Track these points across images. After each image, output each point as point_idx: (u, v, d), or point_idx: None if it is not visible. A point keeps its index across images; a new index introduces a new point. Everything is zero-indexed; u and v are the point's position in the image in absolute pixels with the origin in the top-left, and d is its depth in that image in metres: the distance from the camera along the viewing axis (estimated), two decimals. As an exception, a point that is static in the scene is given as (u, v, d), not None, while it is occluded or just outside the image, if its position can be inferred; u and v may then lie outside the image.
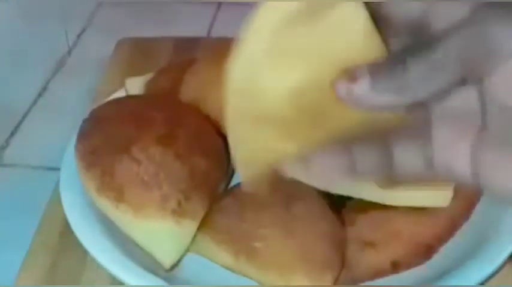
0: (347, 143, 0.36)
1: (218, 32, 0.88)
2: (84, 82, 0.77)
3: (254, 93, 0.37)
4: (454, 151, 0.33)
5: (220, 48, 0.59)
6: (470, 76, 0.32)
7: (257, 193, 0.39)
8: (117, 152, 0.50)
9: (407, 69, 0.32)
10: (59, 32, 0.83)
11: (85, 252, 0.50)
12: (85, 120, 0.55)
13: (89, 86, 0.74)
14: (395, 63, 0.33)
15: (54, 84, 0.79)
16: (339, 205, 0.52)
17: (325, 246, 0.47)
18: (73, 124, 0.55)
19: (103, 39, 0.83)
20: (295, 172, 0.37)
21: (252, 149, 0.38)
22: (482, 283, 0.48)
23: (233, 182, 0.55)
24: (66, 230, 0.52)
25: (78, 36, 0.88)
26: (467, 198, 0.53)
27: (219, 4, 0.94)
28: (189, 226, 0.50)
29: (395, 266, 0.49)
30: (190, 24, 0.90)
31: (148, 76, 0.64)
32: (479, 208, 0.53)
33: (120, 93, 0.63)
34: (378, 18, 0.34)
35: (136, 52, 0.78)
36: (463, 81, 0.32)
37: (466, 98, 0.33)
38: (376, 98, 0.33)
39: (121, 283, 0.48)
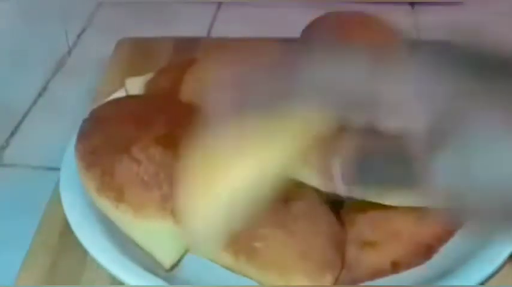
0: None
1: (218, 32, 0.88)
2: (84, 82, 0.77)
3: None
4: None
5: (220, 48, 0.60)
6: None
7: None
8: (117, 152, 0.50)
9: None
10: (59, 32, 0.83)
11: (85, 252, 0.50)
12: (85, 120, 0.55)
13: (89, 86, 0.74)
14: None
15: (54, 84, 0.79)
16: (338, 205, 0.52)
17: (325, 246, 0.47)
18: (73, 124, 0.55)
19: (103, 39, 0.83)
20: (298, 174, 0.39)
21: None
22: (482, 283, 0.48)
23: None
24: (66, 230, 0.52)
25: (78, 36, 0.88)
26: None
27: (219, 4, 0.94)
28: (189, 226, 0.50)
29: (395, 266, 0.49)
30: (190, 24, 0.90)
31: (148, 76, 0.64)
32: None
33: (120, 93, 0.63)
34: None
35: (136, 52, 0.78)
36: None
37: None
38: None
39: (121, 283, 0.48)
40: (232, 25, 0.89)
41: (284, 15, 0.91)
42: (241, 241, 0.49)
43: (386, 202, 0.50)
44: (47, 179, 0.61)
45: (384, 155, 0.37)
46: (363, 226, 0.51)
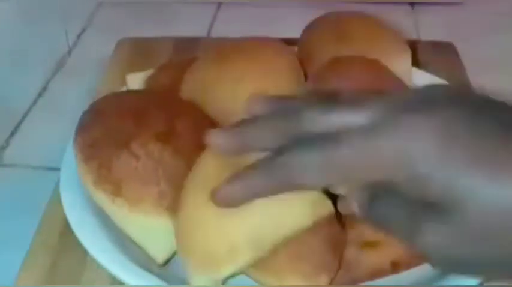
0: None
1: (218, 32, 0.88)
2: (84, 82, 0.77)
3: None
4: None
5: (220, 48, 0.60)
6: None
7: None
8: (116, 146, 0.50)
9: None
10: (59, 32, 0.83)
11: (85, 252, 0.50)
12: (84, 113, 0.55)
13: (89, 86, 0.74)
14: None
15: (54, 84, 0.79)
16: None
17: (321, 246, 0.47)
18: (73, 124, 0.55)
19: (103, 39, 0.83)
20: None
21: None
22: (482, 283, 0.48)
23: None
24: (66, 230, 0.52)
25: (78, 36, 0.88)
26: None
27: (219, 4, 0.94)
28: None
29: (395, 266, 0.49)
30: (190, 24, 0.90)
31: (149, 72, 0.64)
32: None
33: (120, 93, 0.63)
34: None
35: (136, 52, 0.78)
36: None
37: None
38: None
39: (121, 283, 0.48)
40: (232, 25, 0.89)
41: (284, 15, 0.91)
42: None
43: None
44: (47, 179, 0.61)
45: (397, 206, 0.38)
46: (363, 226, 0.50)
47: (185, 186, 0.48)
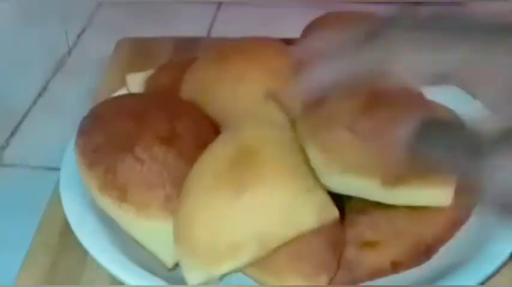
0: None
1: (218, 32, 0.88)
2: (84, 82, 0.77)
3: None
4: None
5: (220, 48, 0.60)
6: None
7: None
8: (120, 150, 0.50)
9: None
10: (59, 32, 0.83)
11: (85, 252, 0.50)
12: (85, 118, 0.55)
13: (89, 86, 0.74)
14: None
15: (54, 84, 0.79)
16: (338, 205, 0.52)
17: (321, 246, 0.47)
18: (73, 124, 0.55)
19: (103, 39, 0.83)
20: None
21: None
22: (482, 283, 0.48)
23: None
24: (66, 230, 0.52)
25: (78, 36, 0.88)
26: (468, 198, 0.53)
27: (219, 4, 0.94)
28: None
29: (395, 266, 0.49)
30: (190, 24, 0.90)
31: (149, 72, 0.64)
32: (479, 208, 0.53)
33: (120, 93, 0.63)
34: None
35: (136, 52, 0.78)
36: None
37: None
38: None
39: (121, 283, 0.48)
40: (232, 25, 0.89)
41: (284, 15, 0.90)
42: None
43: (387, 202, 0.50)
44: (47, 179, 0.61)
45: (452, 137, 0.36)
46: (363, 226, 0.51)
47: (187, 182, 0.48)
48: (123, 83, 0.64)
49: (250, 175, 0.45)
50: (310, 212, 0.45)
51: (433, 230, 0.51)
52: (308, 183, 0.46)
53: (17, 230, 0.58)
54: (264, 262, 0.46)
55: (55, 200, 0.56)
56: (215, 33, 0.89)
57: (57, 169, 0.56)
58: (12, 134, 0.71)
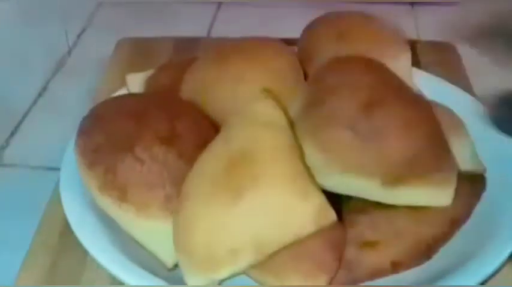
0: None
1: (218, 32, 0.88)
2: (84, 82, 0.77)
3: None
4: None
5: (220, 48, 0.60)
6: None
7: None
8: (120, 150, 0.50)
9: None
10: (59, 32, 0.83)
11: (85, 252, 0.50)
12: (84, 118, 0.55)
13: (89, 86, 0.74)
14: None
15: (54, 84, 0.79)
16: (336, 206, 0.52)
17: (321, 246, 0.47)
18: (73, 124, 0.55)
19: (103, 39, 0.83)
20: None
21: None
22: (482, 283, 0.48)
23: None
24: (66, 230, 0.52)
25: (78, 36, 0.88)
26: (468, 198, 0.53)
27: (219, 4, 0.94)
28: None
29: (395, 266, 0.49)
30: (190, 24, 0.90)
31: (149, 72, 0.64)
32: (479, 208, 0.53)
33: (120, 93, 0.63)
34: None
35: (136, 52, 0.78)
36: None
37: None
38: None
39: (121, 283, 0.48)
40: (232, 25, 0.89)
41: (284, 15, 0.90)
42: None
43: (387, 202, 0.50)
44: (47, 179, 0.61)
45: None
46: (363, 226, 0.51)
47: (185, 186, 0.48)
48: (123, 83, 0.64)
49: (247, 180, 0.45)
50: (308, 217, 0.45)
51: (433, 230, 0.51)
52: (305, 186, 0.46)
53: (17, 230, 0.58)
54: (264, 261, 0.46)
55: (55, 200, 0.56)
56: (215, 33, 0.89)
57: (57, 169, 0.56)
58: (12, 134, 0.71)
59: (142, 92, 0.62)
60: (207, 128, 0.54)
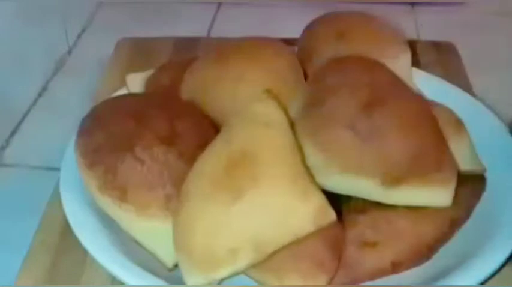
0: None
1: (218, 32, 0.89)
2: (84, 82, 0.77)
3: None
4: None
5: (220, 48, 0.60)
6: None
7: None
8: (120, 150, 0.50)
9: None
10: (59, 32, 0.83)
11: (85, 252, 0.50)
12: (84, 118, 0.55)
13: (89, 86, 0.75)
14: None
15: (54, 84, 0.79)
16: (335, 206, 0.52)
17: (320, 246, 0.47)
18: (73, 124, 0.55)
19: (103, 39, 0.83)
20: None
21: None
22: (482, 283, 0.48)
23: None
24: (66, 230, 0.52)
25: (78, 36, 0.88)
26: (468, 198, 0.53)
27: (219, 4, 0.94)
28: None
29: (396, 266, 0.49)
30: (190, 24, 0.90)
31: (149, 72, 0.64)
32: (479, 208, 0.53)
33: (120, 93, 0.63)
34: None
35: (136, 52, 0.78)
36: None
37: None
38: None
39: (121, 283, 0.48)
40: (232, 25, 0.89)
41: (284, 15, 0.91)
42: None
43: (387, 202, 0.50)
44: (47, 179, 0.61)
45: None
46: (363, 226, 0.51)
47: (185, 186, 0.48)
48: (123, 83, 0.64)
49: (247, 180, 0.45)
50: (307, 216, 0.45)
51: (433, 230, 0.51)
52: (305, 186, 0.46)
53: (17, 230, 0.58)
54: (263, 261, 0.46)
55: (55, 200, 0.56)
56: (215, 33, 0.89)
57: (57, 169, 0.56)
58: (12, 134, 0.71)
59: (142, 92, 0.62)
60: (207, 128, 0.54)
